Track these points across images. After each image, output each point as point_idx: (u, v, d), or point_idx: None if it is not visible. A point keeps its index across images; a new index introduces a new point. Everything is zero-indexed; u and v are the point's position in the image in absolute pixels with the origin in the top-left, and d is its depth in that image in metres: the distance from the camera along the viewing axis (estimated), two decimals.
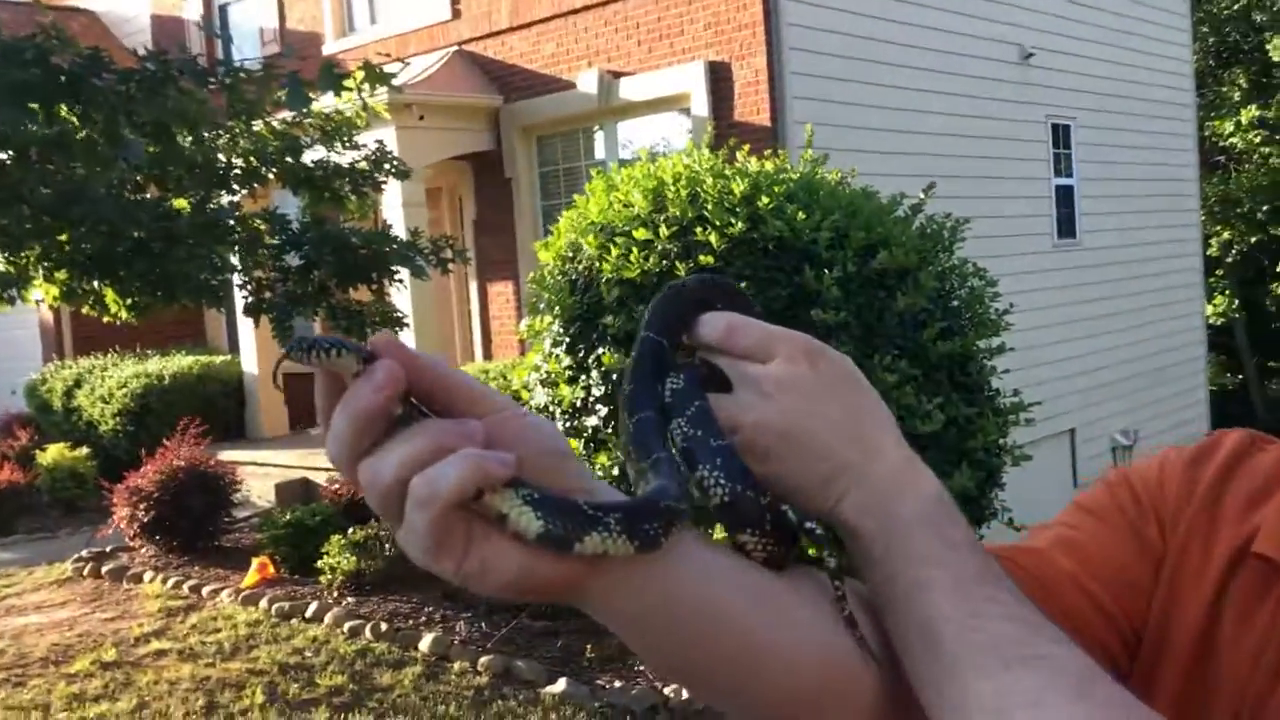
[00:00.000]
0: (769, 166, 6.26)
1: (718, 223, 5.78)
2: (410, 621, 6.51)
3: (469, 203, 10.81)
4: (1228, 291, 22.44)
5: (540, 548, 0.57)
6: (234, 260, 6.04)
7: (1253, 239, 22.59)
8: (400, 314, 6.57)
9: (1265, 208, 22.44)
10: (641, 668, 5.87)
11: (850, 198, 6.10)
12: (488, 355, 10.60)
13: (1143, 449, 10.92)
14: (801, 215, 5.75)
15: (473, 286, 10.92)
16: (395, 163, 6.64)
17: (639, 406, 0.70)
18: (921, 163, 8.57)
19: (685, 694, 5.60)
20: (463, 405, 0.60)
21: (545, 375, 6.32)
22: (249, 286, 6.09)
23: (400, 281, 6.44)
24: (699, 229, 5.77)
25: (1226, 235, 22.50)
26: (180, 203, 5.90)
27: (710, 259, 5.69)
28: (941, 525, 0.68)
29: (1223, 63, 23.14)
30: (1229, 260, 22.67)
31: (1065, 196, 10.93)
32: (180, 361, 11.22)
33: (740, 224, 5.74)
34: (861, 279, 5.78)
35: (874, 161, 7.98)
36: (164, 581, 7.41)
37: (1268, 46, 21.34)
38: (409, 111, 9.33)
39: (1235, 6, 22.75)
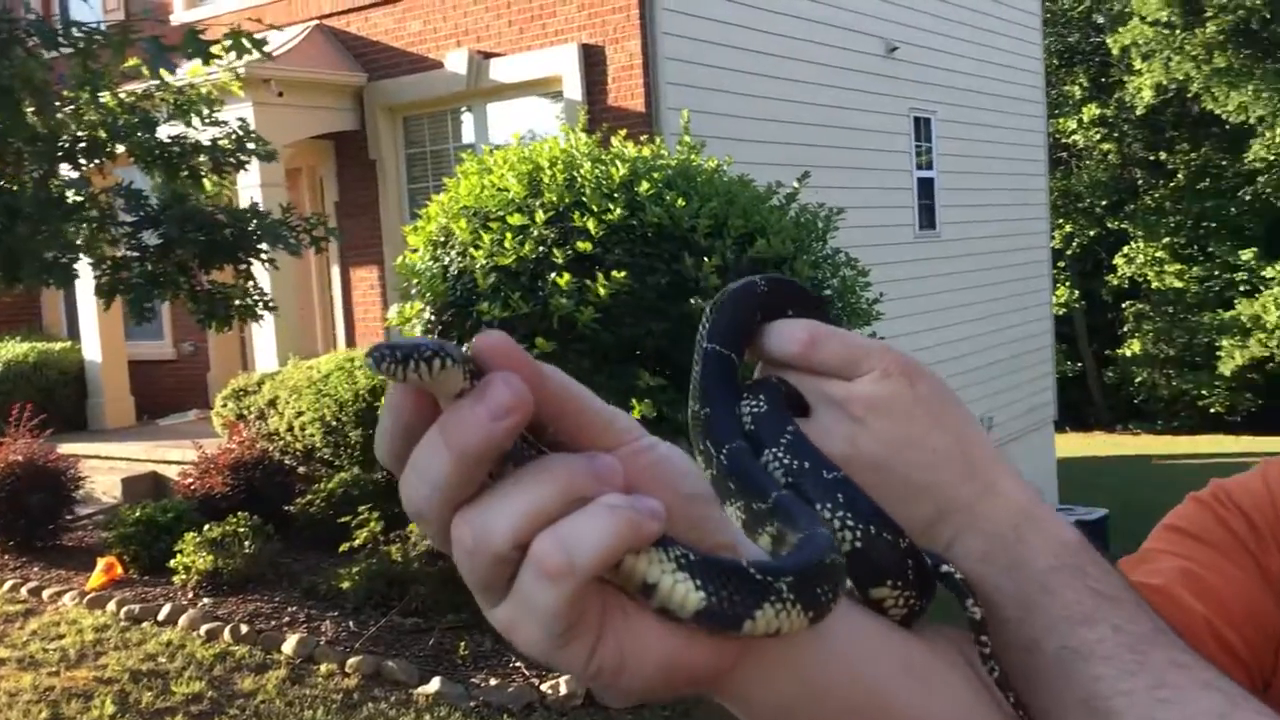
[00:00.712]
0: (645, 153, 6.17)
1: (596, 208, 5.66)
2: (272, 622, 6.21)
3: (330, 184, 10.42)
4: (1069, 283, 23.45)
5: (699, 626, 0.44)
6: (82, 239, 5.64)
7: (1091, 233, 23.68)
8: (268, 298, 6.24)
9: (1104, 203, 23.54)
10: (517, 664, 5.73)
11: (727, 185, 6.07)
12: (350, 343, 10.25)
13: (997, 435, 11.29)
14: (681, 202, 5.68)
15: (335, 272, 10.54)
16: (259, 142, 6.30)
17: (725, 435, 0.57)
18: (795, 152, 8.62)
19: (564, 690, 5.49)
20: (591, 433, 0.46)
21: None
22: (103, 266, 5.69)
23: (270, 261, 6.11)
24: (576, 214, 5.64)
25: (1068, 229, 23.50)
26: (18, 179, 5.47)
27: (588, 246, 5.57)
28: (1090, 576, 0.55)
29: (1065, 62, 24.12)
30: (1069, 253, 23.69)
31: (926, 189, 11.18)
32: (14, 349, 10.54)
33: (619, 210, 5.63)
34: (739, 268, 5.74)
35: (749, 150, 7.98)
36: None
37: (1108, 41, 22.32)
38: (267, 88, 8.93)
39: (1079, 8, 23.73)
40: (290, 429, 7.72)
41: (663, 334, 5.54)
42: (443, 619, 6.07)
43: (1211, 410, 21.69)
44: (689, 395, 0.61)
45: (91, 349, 10.54)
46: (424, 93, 9.57)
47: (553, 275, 5.53)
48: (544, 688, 5.51)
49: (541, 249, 5.70)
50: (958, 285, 11.23)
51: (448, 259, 6.00)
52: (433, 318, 5.97)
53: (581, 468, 0.43)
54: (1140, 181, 23.78)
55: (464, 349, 0.44)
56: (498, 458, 0.43)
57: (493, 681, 5.60)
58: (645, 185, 5.71)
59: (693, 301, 5.51)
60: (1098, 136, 23.60)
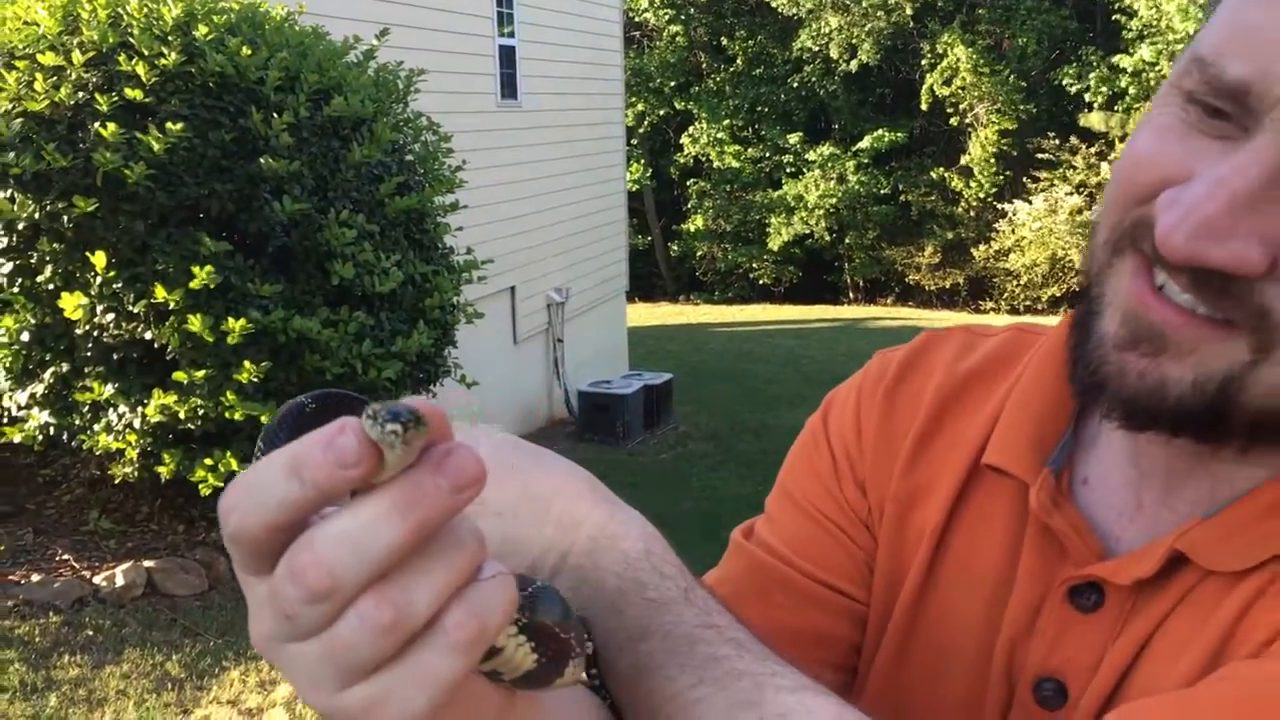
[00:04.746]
0: None
1: (146, 52, 5.06)
2: None
3: None
4: (641, 160, 24.48)
5: (516, 687, 0.47)
6: None
7: (661, 112, 24.78)
8: None
9: (673, 84, 24.66)
10: (66, 557, 5.21)
11: (300, 37, 5.63)
12: None
13: (573, 306, 11.67)
14: (247, 51, 5.20)
15: None
16: None
17: None
18: (373, 8, 8.17)
19: (120, 582, 5.06)
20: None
21: None
22: None
23: None
24: (123, 57, 5.01)
25: (641, 107, 24.42)
26: None
27: (138, 93, 4.98)
28: (647, 586, 0.57)
29: None
30: (641, 130, 24.69)
31: (508, 56, 11.08)
32: None
33: (174, 55, 5.07)
34: (314, 126, 5.39)
35: (323, 1, 7.45)
36: None
37: None
38: None
39: None
40: None
41: (228, 195, 5.10)
42: None
43: (761, 282, 23.71)
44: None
45: None
46: None
47: (96, 125, 4.90)
48: (98, 580, 5.06)
49: (82, 94, 5.02)
50: (538, 157, 11.31)
51: None
52: None
53: (472, 540, 0.42)
54: (704, 65, 25.09)
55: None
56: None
57: (35, 578, 5.06)
58: (204, 29, 5.16)
59: (262, 161, 5.10)
60: (666, 18, 24.54)
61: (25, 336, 5.16)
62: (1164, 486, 0.66)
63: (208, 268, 4.91)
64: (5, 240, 5.06)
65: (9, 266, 5.09)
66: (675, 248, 24.90)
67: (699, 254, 24.33)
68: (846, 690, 0.72)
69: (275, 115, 5.16)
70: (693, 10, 24.58)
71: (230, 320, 4.96)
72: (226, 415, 5.04)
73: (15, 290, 5.11)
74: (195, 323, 4.91)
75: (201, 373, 5.04)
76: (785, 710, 0.52)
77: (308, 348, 5.19)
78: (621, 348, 13.76)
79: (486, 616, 0.41)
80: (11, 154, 4.89)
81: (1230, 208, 0.54)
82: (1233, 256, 0.54)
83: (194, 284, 4.92)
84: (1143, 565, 0.63)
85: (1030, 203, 20.39)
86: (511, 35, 11.18)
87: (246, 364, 4.99)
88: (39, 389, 5.24)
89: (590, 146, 12.93)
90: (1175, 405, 0.58)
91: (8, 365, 5.26)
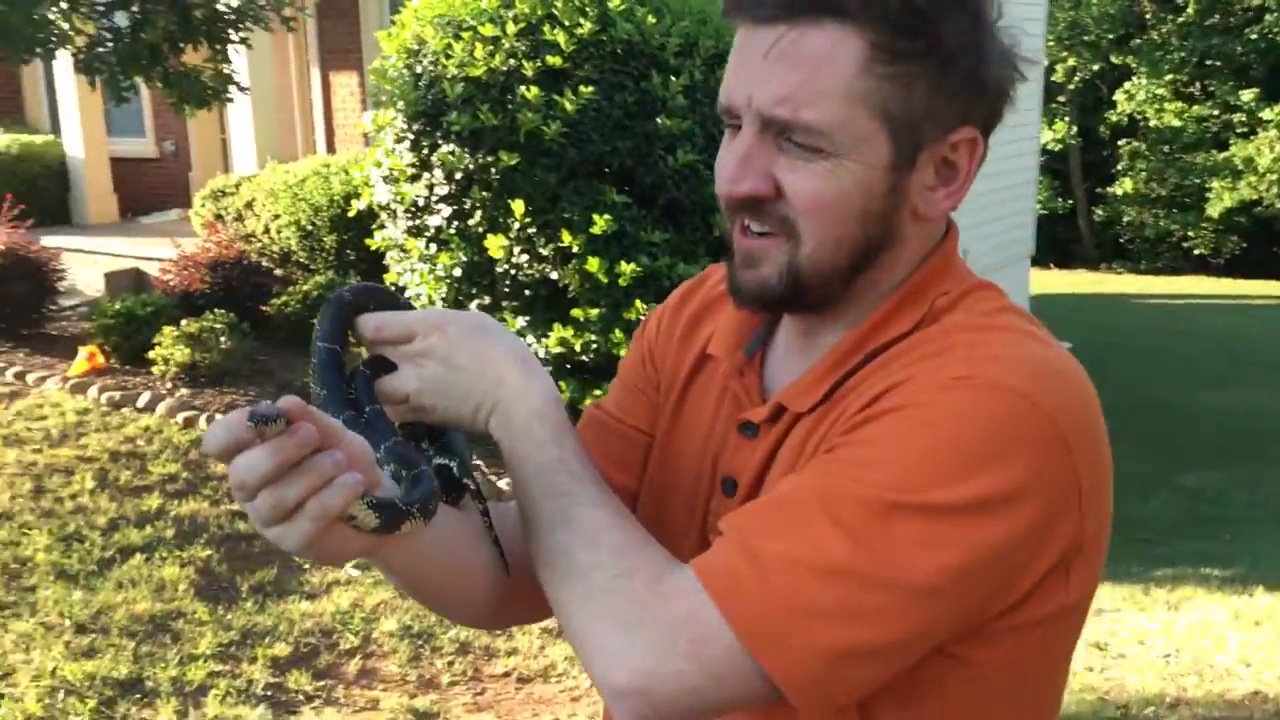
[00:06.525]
0: None
1: (567, 22, 5.67)
2: None
3: None
4: (1066, 118, 23.19)
5: (373, 534, 0.82)
6: (58, 18, 5.62)
7: (1095, 67, 23.26)
8: (237, 80, 6.22)
9: (1110, 36, 23.05)
10: (477, 472, 6.06)
11: (700, 5, 6.05)
12: (330, 149, 10.27)
13: (974, 267, 11.43)
14: (652, 19, 5.68)
15: (314, 76, 10.46)
16: None
17: (335, 411, 0.92)
18: None
19: None
20: (331, 439, 0.79)
21: (387, 172, 6.21)
22: (80, 41, 5.69)
23: (243, 42, 6.06)
24: (547, 27, 5.65)
25: (1071, 62, 23.07)
26: None
27: (558, 60, 5.61)
28: (534, 430, 0.94)
29: None
30: (1071, 86, 23.33)
31: None
32: None
33: (590, 24, 5.64)
34: (708, 89, 5.79)
35: None
36: None
37: None
38: None
39: None
40: (266, 231, 7.87)
41: (628, 152, 5.63)
42: None
43: (1195, 252, 21.81)
44: (311, 380, 0.97)
45: (74, 144, 10.55)
46: None
47: (522, 89, 5.59)
48: (501, 484, 5.83)
49: (512, 61, 5.73)
50: None
51: (420, 67, 6.03)
52: (405, 125, 6.03)
53: (331, 465, 0.77)
54: (1149, 15, 23.23)
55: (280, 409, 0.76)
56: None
57: None
58: (617, 0, 5.70)
59: (659, 120, 5.59)
60: None
61: (457, 272, 6.00)
62: (801, 350, 1.01)
63: (606, 216, 5.47)
64: (446, 188, 5.90)
65: (448, 211, 5.94)
66: (1100, 212, 23.41)
67: (1126, 219, 22.74)
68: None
69: (673, 78, 5.61)
70: None
71: (623, 264, 5.50)
72: (614, 351, 5.62)
73: (452, 231, 5.96)
74: (593, 265, 5.50)
75: (596, 311, 5.64)
76: (576, 519, 0.90)
77: None
78: None
79: (329, 505, 0.76)
80: (454, 113, 5.69)
81: (739, 163, 0.91)
82: (750, 187, 0.91)
83: (594, 230, 5.51)
84: (761, 413, 0.99)
85: None
86: None
87: (636, 303, 5.53)
88: None
89: None
90: (774, 292, 0.94)
91: (444, 296, 6.15)
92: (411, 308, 1.00)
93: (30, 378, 7.04)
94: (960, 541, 0.82)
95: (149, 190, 11.25)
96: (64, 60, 5.96)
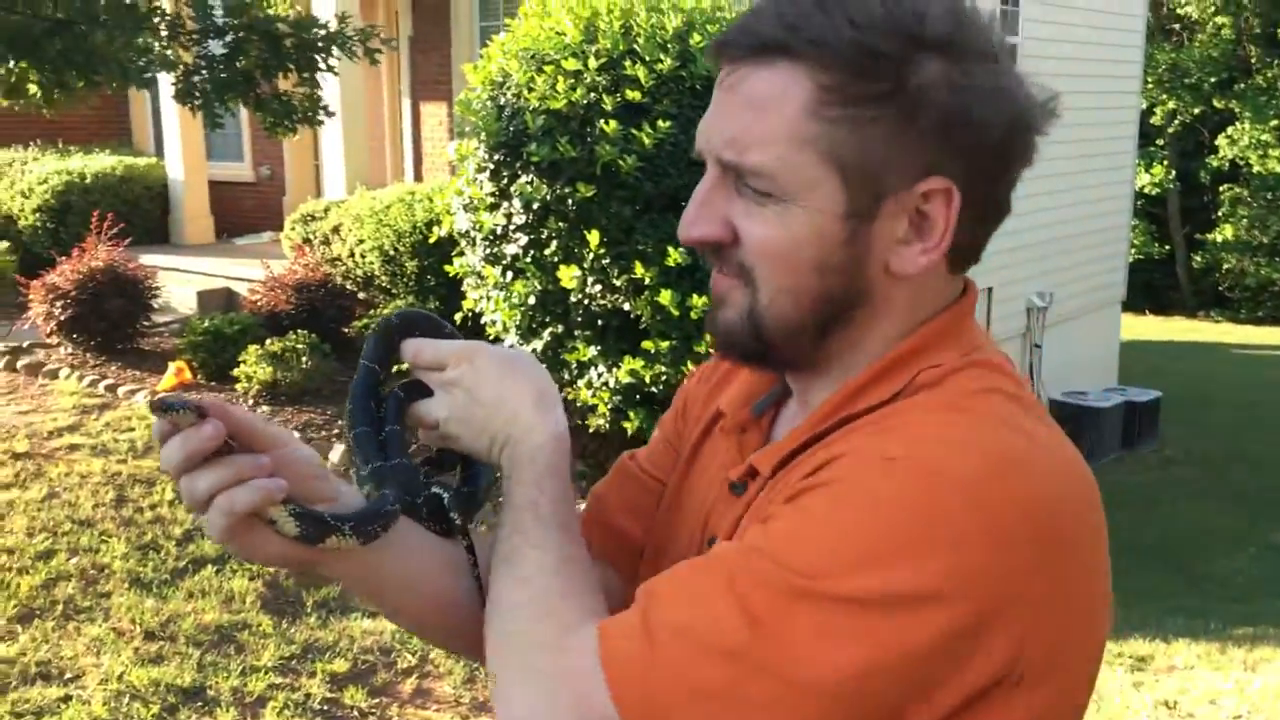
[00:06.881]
0: (704, 4, 6.18)
1: (648, 58, 5.75)
2: (323, 432, 6.66)
3: (405, 18, 10.50)
4: (1165, 162, 22.68)
5: (296, 542, 0.85)
6: (157, 46, 5.86)
7: (1196, 110, 22.74)
8: (325, 105, 6.41)
9: (1213, 79, 22.53)
10: None
11: None
12: (418, 177, 10.49)
13: (1057, 311, 11.24)
14: None
15: (405, 105, 10.72)
16: None
17: (357, 423, 0.99)
18: None
19: None
20: (261, 444, 0.85)
21: (468, 200, 6.33)
22: (178, 70, 5.92)
23: (330, 70, 6.26)
24: (628, 63, 5.73)
25: (1171, 105, 22.60)
26: None
27: (638, 95, 5.68)
28: (525, 470, 0.94)
29: None
30: (1170, 130, 22.84)
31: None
32: (103, 161, 10.95)
33: (670, 60, 5.71)
34: None
35: None
36: (80, 379, 7.45)
37: None
38: None
39: None
40: (351, 255, 8.06)
41: None
42: None
43: None
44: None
45: (175, 167, 10.94)
46: None
47: (601, 122, 5.67)
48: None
49: (592, 95, 5.81)
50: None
51: (503, 100, 6.15)
52: (486, 155, 6.15)
53: (247, 463, 0.82)
54: (1254, 60, 22.67)
55: (199, 403, 0.81)
56: (212, 452, 0.83)
57: None
58: (698, 37, 5.76)
59: None
60: (1212, 9, 22.44)
61: (531, 300, 6.08)
62: (798, 412, 0.98)
63: (680, 250, 5.51)
64: (524, 218, 5.99)
65: (524, 240, 6.03)
66: (1199, 258, 22.80)
67: (1225, 267, 22.11)
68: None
69: None
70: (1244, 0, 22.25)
71: (695, 297, 5.53)
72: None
73: (528, 260, 6.05)
74: (665, 297, 5.54)
75: (666, 343, 5.67)
76: (520, 559, 0.90)
77: None
78: (1111, 360, 12.99)
79: (237, 502, 0.81)
80: (534, 145, 5.79)
81: (697, 205, 0.90)
82: (701, 233, 0.90)
83: (668, 262, 5.55)
84: (738, 473, 0.97)
85: None
86: (1015, 34, 10.95)
87: (707, 337, 5.55)
88: (539, 345, 6.16)
89: (1095, 146, 12.28)
90: (739, 338, 0.92)
91: (518, 324, 6.24)
92: (457, 336, 1.02)
93: (121, 390, 7.28)
94: (863, 637, 0.76)
95: (244, 213, 11.60)
96: (168, 86, 6.20)
